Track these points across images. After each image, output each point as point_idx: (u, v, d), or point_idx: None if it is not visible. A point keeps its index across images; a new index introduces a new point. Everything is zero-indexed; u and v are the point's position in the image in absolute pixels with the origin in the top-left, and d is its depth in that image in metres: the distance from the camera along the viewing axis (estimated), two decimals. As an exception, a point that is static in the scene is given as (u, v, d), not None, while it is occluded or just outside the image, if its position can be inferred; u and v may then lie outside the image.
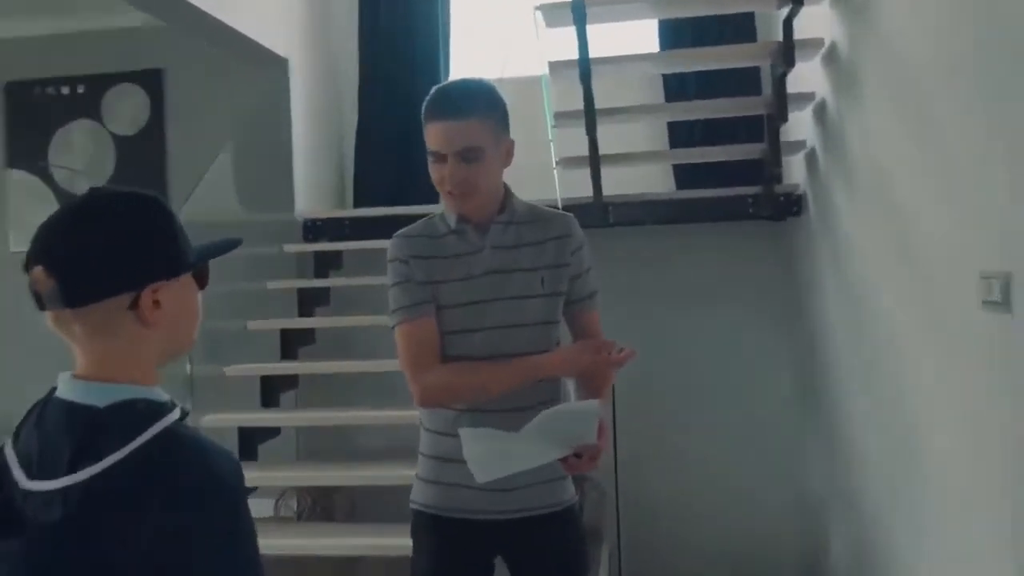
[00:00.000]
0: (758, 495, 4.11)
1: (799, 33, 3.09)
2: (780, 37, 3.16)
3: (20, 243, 5.07)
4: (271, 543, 3.13)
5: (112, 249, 1.01)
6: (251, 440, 3.64)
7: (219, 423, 3.57)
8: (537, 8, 3.15)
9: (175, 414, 1.02)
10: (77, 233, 1.02)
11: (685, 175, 4.39)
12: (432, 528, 1.77)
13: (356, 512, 4.25)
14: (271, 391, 3.85)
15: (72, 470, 0.94)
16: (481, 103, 1.72)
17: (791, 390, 4.12)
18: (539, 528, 1.74)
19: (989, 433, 1.94)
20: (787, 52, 3.10)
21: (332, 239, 4.33)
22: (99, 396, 1.00)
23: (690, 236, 4.17)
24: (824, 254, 3.47)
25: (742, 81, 4.21)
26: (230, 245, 1.19)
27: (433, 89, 1.78)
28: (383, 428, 3.77)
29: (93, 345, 1.02)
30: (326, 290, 4.24)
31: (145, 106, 4.95)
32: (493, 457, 1.58)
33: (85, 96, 5.03)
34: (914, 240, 2.40)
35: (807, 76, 3.28)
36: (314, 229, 4.34)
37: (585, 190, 3.69)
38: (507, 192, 1.81)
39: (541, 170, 3.78)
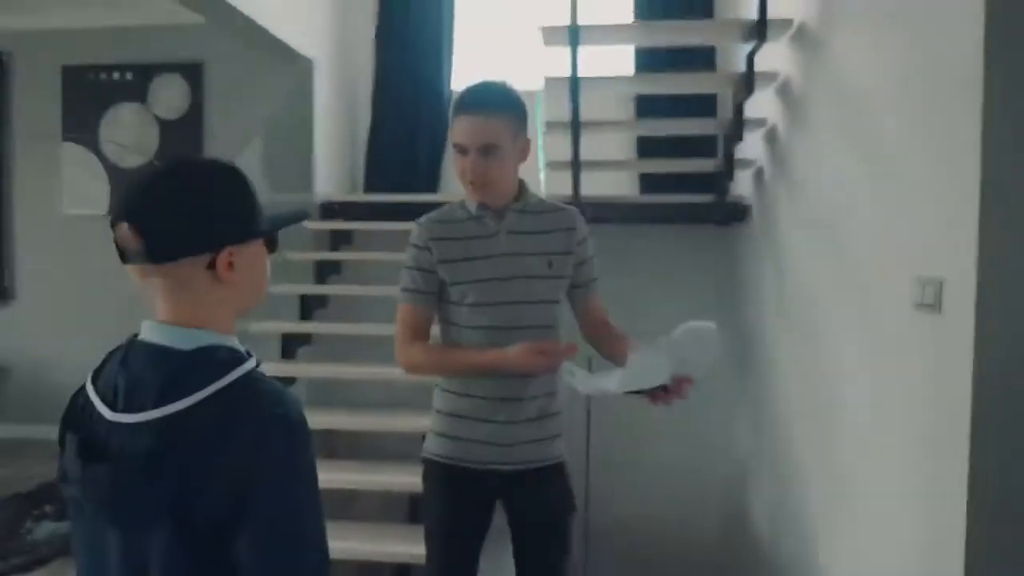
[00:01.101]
0: (693, 461, 4.14)
1: (758, 66, 3.06)
2: (742, 68, 3.12)
3: (73, 207, 4.97)
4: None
5: (196, 212, 0.97)
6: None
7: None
8: (540, 29, 3.08)
9: (252, 362, 0.99)
10: (164, 195, 0.97)
11: (649, 182, 4.37)
12: (444, 476, 1.75)
13: (357, 451, 4.21)
14: (290, 346, 3.82)
15: (159, 405, 0.91)
16: (503, 103, 1.68)
17: (729, 369, 4.12)
18: (535, 478, 1.73)
19: (909, 414, 1.93)
20: (748, 82, 3.06)
21: (345, 219, 4.26)
22: (185, 340, 0.97)
23: (651, 235, 4.15)
24: (765, 255, 3.47)
25: (703, 104, 4.18)
26: (299, 216, 1.15)
27: (464, 87, 1.72)
28: (383, 383, 3.71)
29: (175, 297, 0.98)
30: (339, 262, 4.18)
31: (186, 94, 4.81)
32: (639, 370, 1.47)
33: (133, 82, 4.87)
34: (850, 248, 2.38)
35: (761, 104, 3.26)
36: (330, 210, 4.27)
37: (566, 189, 3.65)
38: (522, 185, 1.77)
39: (530, 172, 3.74)
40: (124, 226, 0.95)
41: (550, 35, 3.11)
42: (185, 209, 0.96)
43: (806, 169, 2.88)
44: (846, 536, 2.35)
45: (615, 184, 4.26)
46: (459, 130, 1.66)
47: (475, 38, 4.70)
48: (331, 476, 3.09)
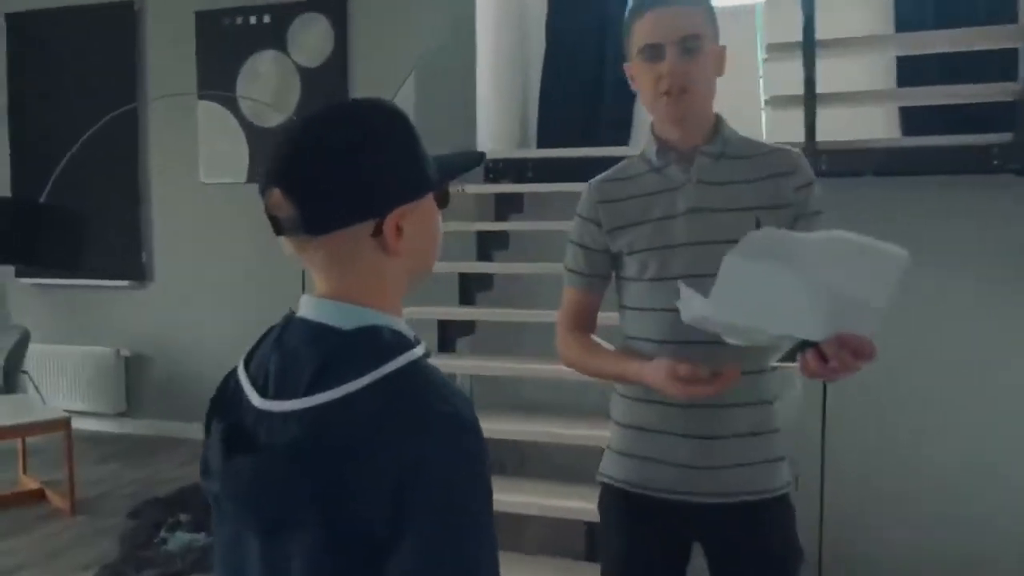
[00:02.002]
0: (980, 487, 3.79)
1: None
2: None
3: (211, 175, 5.41)
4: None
5: (357, 171, 0.97)
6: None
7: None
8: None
9: (420, 349, 0.99)
10: (318, 153, 0.97)
11: (915, 120, 4.06)
12: (624, 507, 1.69)
13: (525, 466, 4.26)
14: (449, 336, 3.90)
15: (311, 391, 0.93)
16: None
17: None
18: (748, 516, 1.61)
19: None
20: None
21: (514, 181, 4.30)
22: (346, 318, 0.98)
23: (919, 191, 3.82)
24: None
25: (992, 6, 3.80)
26: (473, 160, 1.15)
27: None
28: (555, 382, 3.71)
29: (337, 270, 1.00)
30: (506, 234, 4.23)
31: (329, 36, 5.06)
32: (752, 287, 1.24)
33: (271, 26, 5.20)
34: None
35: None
36: (495, 170, 4.33)
37: (796, 135, 3.46)
38: (718, 120, 1.68)
39: (747, 110, 3.59)
40: (275, 192, 0.97)
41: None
42: (344, 168, 0.96)
43: None
44: None
45: (866, 125, 4.00)
46: (650, 27, 1.60)
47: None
48: (498, 496, 3.16)
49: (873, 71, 4.17)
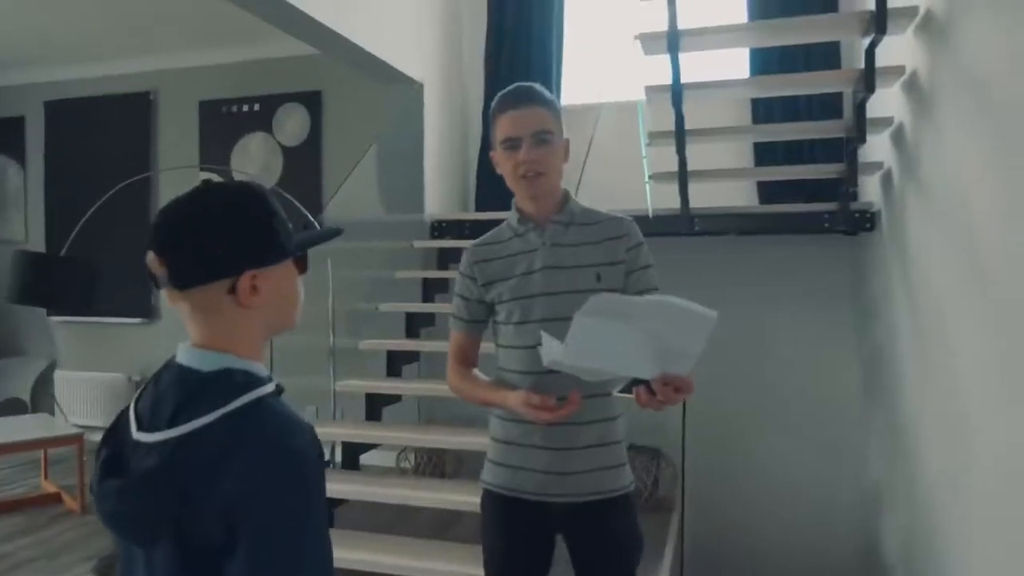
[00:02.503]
0: (821, 489, 3.84)
1: (881, 61, 2.80)
2: (862, 64, 2.87)
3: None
4: (384, 491, 3.11)
5: (212, 239, 0.97)
6: (377, 404, 3.65)
7: (352, 388, 3.59)
8: (636, 37, 2.97)
9: (268, 387, 0.97)
10: (182, 224, 0.98)
11: (768, 191, 4.15)
12: (499, 507, 1.68)
13: (463, 470, 4.21)
14: (396, 364, 3.85)
15: (171, 425, 0.92)
16: (546, 96, 1.65)
17: (857, 391, 3.82)
18: (598, 512, 1.61)
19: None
20: (868, 79, 2.80)
21: (454, 237, 4.30)
22: (205, 362, 0.97)
23: (770, 247, 3.92)
24: (895, 267, 3.17)
25: (823, 105, 3.93)
26: (330, 234, 1.13)
27: (501, 92, 1.68)
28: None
29: (202, 321, 0.99)
30: (446, 280, 4.20)
31: (307, 122, 5.07)
32: (595, 338, 1.26)
33: (260, 113, 5.18)
34: (991, 259, 2.11)
35: (886, 101, 2.99)
36: (440, 228, 4.33)
37: (674, 203, 3.51)
38: (566, 195, 1.70)
39: (635, 184, 3.64)
40: (151, 254, 0.98)
41: (649, 43, 2.99)
42: (201, 237, 0.97)
43: (940, 171, 2.60)
44: (983, 567, 2.07)
45: (730, 195, 4.07)
46: (508, 124, 1.60)
47: (581, 56, 4.65)
48: (431, 495, 3.11)
49: (737, 153, 4.25)
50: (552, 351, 1.34)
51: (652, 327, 1.23)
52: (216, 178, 5.10)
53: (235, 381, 0.95)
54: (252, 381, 0.96)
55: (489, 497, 1.69)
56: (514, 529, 1.65)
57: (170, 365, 1.02)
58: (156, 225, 0.98)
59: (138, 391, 1.05)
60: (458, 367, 1.74)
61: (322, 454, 0.97)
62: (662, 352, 1.24)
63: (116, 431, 1.02)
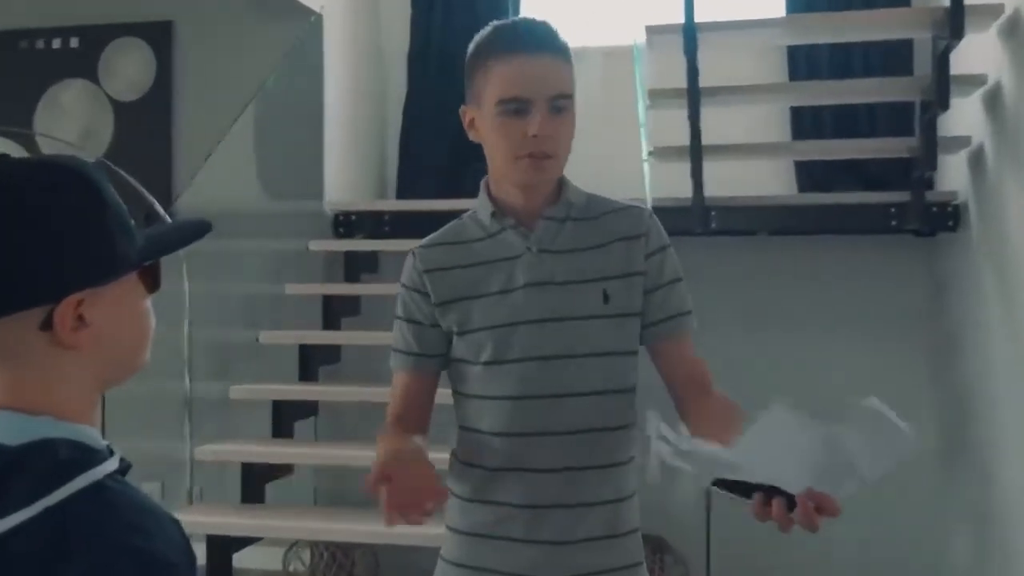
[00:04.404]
0: (888, 567, 3.94)
1: (970, -2, 2.93)
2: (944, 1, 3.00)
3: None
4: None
5: (8, 252, 0.91)
6: (259, 478, 3.60)
7: (220, 456, 3.56)
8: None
9: (109, 465, 0.93)
10: None
11: (810, 175, 4.26)
12: None
13: (380, 572, 4.18)
14: (285, 419, 3.81)
15: None
16: (565, 43, 1.60)
17: (934, 444, 3.93)
18: None
19: None
20: (954, 20, 2.93)
21: (368, 236, 4.31)
22: (14, 431, 0.91)
23: (813, 251, 4.02)
24: (988, 279, 3.29)
25: (888, 60, 4.06)
26: (192, 232, 1.08)
27: (495, 24, 1.63)
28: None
29: (4, 371, 0.94)
30: (357, 298, 4.20)
31: (150, 66, 4.96)
32: (772, 437, 1.26)
33: (80, 51, 5.07)
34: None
35: (976, 52, 3.11)
36: (347, 224, 4.33)
37: (683, 189, 3.59)
38: (561, 180, 1.66)
39: (628, 162, 3.68)
40: None
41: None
42: None
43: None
44: None
45: (759, 181, 4.17)
46: (515, 76, 1.54)
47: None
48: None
49: (766, 123, 4.34)
50: (685, 448, 1.30)
51: (841, 432, 1.25)
52: (16, 150, 4.99)
53: (59, 458, 0.90)
54: (84, 457, 0.92)
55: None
56: None
57: None
58: None
59: None
60: (397, 428, 1.63)
61: (193, 558, 0.94)
62: (831, 465, 1.26)
63: None
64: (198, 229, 1.08)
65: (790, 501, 1.22)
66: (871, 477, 1.22)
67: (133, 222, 1.00)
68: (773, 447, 1.25)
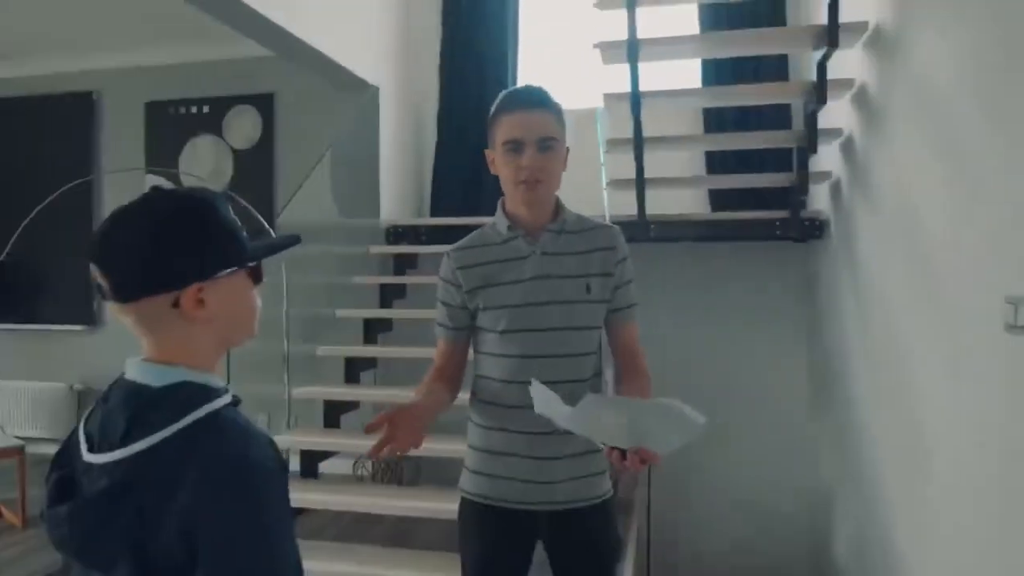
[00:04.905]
0: (771, 493, 3.93)
1: (831, 74, 2.89)
2: (813, 77, 2.95)
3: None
4: (342, 499, 3.06)
5: (150, 251, 0.92)
6: (335, 411, 3.60)
7: (308, 395, 3.54)
8: (596, 46, 2.99)
9: (225, 399, 0.93)
10: (123, 235, 0.92)
11: (719, 199, 4.22)
12: (480, 516, 1.64)
13: (421, 477, 4.17)
14: (354, 370, 3.80)
15: (123, 444, 0.88)
16: (553, 101, 1.60)
17: (806, 397, 3.92)
18: (578, 519, 1.60)
19: (1002, 447, 1.74)
20: (820, 91, 2.89)
21: (410, 243, 4.27)
22: (157, 376, 0.93)
23: (723, 253, 4.00)
24: (844, 273, 3.26)
25: (774, 116, 4.02)
26: (287, 243, 1.08)
27: (505, 91, 1.63)
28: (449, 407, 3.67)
29: (150, 334, 0.95)
30: (403, 286, 4.18)
31: (258, 124, 4.95)
32: (592, 415, 1.27)
33: (210, 115, 5.05)
34: (937, 264, 2.19)
35: (836, 113, 3.08)
36: (396, 234, 4.29)
37: (631, 209, 3.55)
38: (558, 202, 1.66)
39: (593, 190, 3.66)
40: (93, 266, 0.93)
41: (608, 51, 3.02)
42: (139, 248, 0.92)
43: (886, 180, 2.69)
44: (935, 563, 2.14)
45: (683, 203, 4.13)
46: (514, 125, 1.55)
47: (537, 62, 4.67)
48: (390, 502, 3.07)
49: (689, 161, 4.32)
50: (549, 408, 1.32)
51: (645, 419, 1.26)
52: (166, 184, 4.98)
53: (189, 395, 0.91)
54: (207, 394, 0.92)
55: (468, 506, 1.66)
56: (494, 537, 1.63)
57: (119, 382, 0.97)
58: (97, 235, 0.93)
59: (88, 410, 1.00)
60: (433, 376, 1.67)
61: (284, 465, 0.93)
62: (645, 435, 1.26)
63: (66, 453, 0.97)
64: (290, 241, 1.09)
65: (623, 453, 1.28)
66: (668, 447, 1.26)
67: (245, 234, 0.99)
68: (598, 418, 1.28)
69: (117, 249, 0.92)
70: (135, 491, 0.85)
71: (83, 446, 0.94)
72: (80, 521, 0.87)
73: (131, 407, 0.91)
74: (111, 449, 0.89)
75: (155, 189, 0.97)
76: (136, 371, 0.95)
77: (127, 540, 0.85)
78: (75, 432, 0.98)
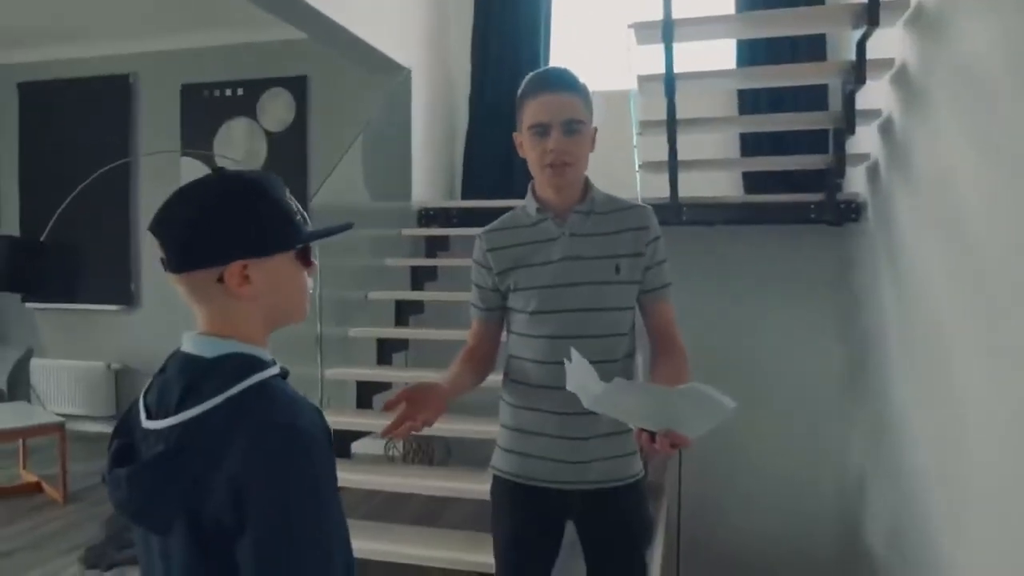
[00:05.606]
0: (804, 475, 3.91)
1: (870, 53, 2.84)
2: (852, 56, 2.90)
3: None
4: (374, 479, 3.11)
5: (199, 226, 0.97)
6: (367, 391, 3.63)
7: (341, 376, 3.57)
8: (630, 26, 2.97)
9: (273, 370, 0.97)
10: (178, 209, 0.98)
11: (753, 181, 4.17)
12: (511, 494, 1.66)
13: (451, 457, 4.22)
14: (385, 351, 3.83)
15: (178, 411, 0.92)
16: (579, 83, 1.60)
17: (842, 380, 3.88)
18: (609, 499, 1.61)
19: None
20: (859, 71, 2.84)
21: (442, 225, 4.29)
22: (209, 348, 0.97)
23: (756, 237, 3.96)
24: (882, 258, 3.21)
25: (809, 97, 3.95)
26: (338, 229, 1.11)
27: (531, 74, 1.62)
28: (478, 387, 3.70)
29: (203, 308, 1.00)
30: (435, 268, 4.20)
31: (292, 107, 5.00)
32: (623, 398, 1.28)
33: (244, 97, 5.10)
34: (978, 248, 2.15)
35: (874, 93, 3.02)
36: (427, 216, 4.30)
37: (663, 191, 3.52)
38: (587, 183, 1.66)
39: (626, 172, 3.65)
40: (155, 239, 0.99)
41: (643, 32, 3.00)
42: (187, 223, 0.97)
43: (927, 162, 2.64)
44: (969, 547, 2.12)
45: (716, 185, 4.09)
46: (539, 108, 1.54)
47: (569, 43, 4.64)
48: (420, 482, 3.11)
49: (723, 143, 4.26)
50: (582, 382, 1.31)
51: (674, 404, 1.26)
52: (200, 166, 5.04)
53: (239, 365, 0.95)
54: (256, 364, 0.96)
55: (500, 484, 1.68)
56: (525, 516, 1.65)
57: (176, 354, 1.02)
58: (158, 211, 0.99)
59: (148, 383, 1.05)
60: (464, 355, 1.69)
61: (330, 434, 0.97)
62: (674, 419, 1.26)
63: (126, 422, 1.02)
64: (342, 227, 1.12)
65: (652, 435, 1.26)
66: (697, 430, 1.25)
67: (299, 219, 1.02)
68: (626, 402, 1.29)
69: (171, 222, 0.98)
70: (187, 456, 0.89)
71: (142, 415, 0.99)
72: (138, 484, 0.91)
73: (186, 376, 0.95)
74: (167, 416, 0.93)
75: (219, 170, 1.02)
76: (191, 344, 1.00)
77: (182, 504, 0.89)
78: (135, 403, 1.03)
